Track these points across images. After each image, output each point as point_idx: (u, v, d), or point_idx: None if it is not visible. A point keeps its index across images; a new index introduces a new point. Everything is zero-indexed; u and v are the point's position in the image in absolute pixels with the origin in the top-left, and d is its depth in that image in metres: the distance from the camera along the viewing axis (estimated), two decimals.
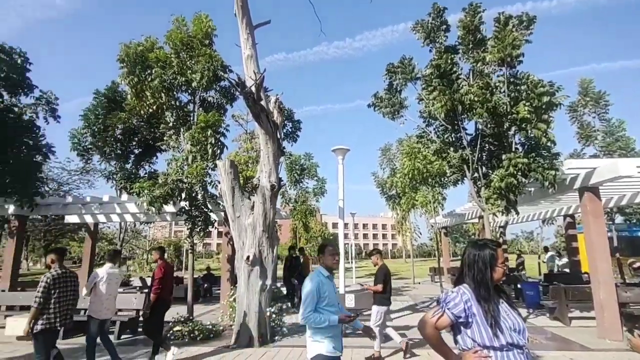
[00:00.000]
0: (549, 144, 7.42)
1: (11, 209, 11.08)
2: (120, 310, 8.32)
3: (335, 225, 71.77)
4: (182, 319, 8.06)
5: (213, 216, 10.12)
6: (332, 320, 3.04)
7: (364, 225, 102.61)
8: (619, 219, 16.12)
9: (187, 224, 9.48)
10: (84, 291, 5.69)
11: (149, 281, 10.59)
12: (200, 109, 10.05)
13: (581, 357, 6.24)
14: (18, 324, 4.69)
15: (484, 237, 6.47)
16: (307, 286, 3.12)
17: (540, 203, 12.31)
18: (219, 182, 8.06)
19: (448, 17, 8.84)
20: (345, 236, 9.37)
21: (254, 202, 7.59)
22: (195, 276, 10.12)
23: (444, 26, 8.81)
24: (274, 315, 7.66)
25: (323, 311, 3.08)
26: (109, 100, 11.61)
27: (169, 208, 9.93)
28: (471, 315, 1.93)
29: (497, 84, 7.98)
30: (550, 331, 7.98)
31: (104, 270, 5.66)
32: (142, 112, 10.25)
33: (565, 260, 14.92)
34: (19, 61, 10.60)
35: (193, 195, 9.14)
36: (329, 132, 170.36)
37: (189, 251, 9.78)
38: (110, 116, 10.90)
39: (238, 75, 7.33)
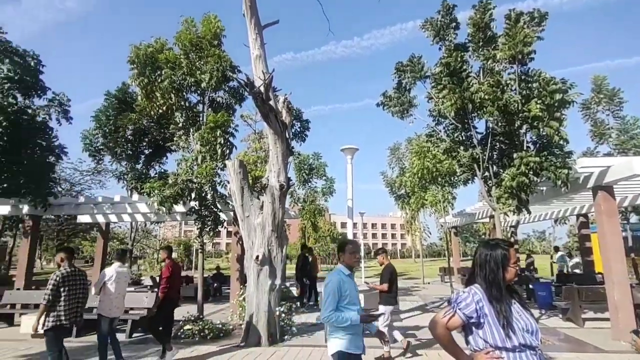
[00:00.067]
0: (561, 142, 7.29)
1: (25, 209, 11.29)
2: (131, 309, 8.44)
3: (344, 225, 71.65)
4: (193, 318, 8.13)
5: (222, 216, 10.18)
6: (354, 320, 3.00)
7: (373, 225, 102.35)
8: (633, 218, 15.83)
9: (196, 224, 9.56)
10: (92, 290, 5.77)
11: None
12: (210, 109, 10.12)
13: (595, 359, 6.13)
14: (32, 322, 4.78)
15: (495, 237, 6.40)
16: (328, 285, 3.09)
17: (552, 202, 12.12)
18: (228, 182, 8.10)
19: (458, 14, 8.76)
20: (354, 236, 9.34)
21: (263, 201, 7.61)
22: (204, 275, 10.19)
23: (454, 24, 8.72)
24: (283, 315, 7.68)
25: (344, 310, 3.04)
26: (120, 102, 11.79)
27: (179, 208, 10.02)
28: (483, 315, 1.91)
29: (508, 82, 7.87)
30: (563, 332, 7.86)
31: (112, 269, 5.72)
32: (152, 112, 10.37)
33: (575, 260, 14.69)
34: (32, 64, 10.80)
35: (203, 195, 9.21)
36: (338, 132, 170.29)
37: (199, 251, 9.86)
38: (121, 117, 11.05)
39: (247, 76, 7.37)
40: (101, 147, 11.89)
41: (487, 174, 8.34)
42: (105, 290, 5.56)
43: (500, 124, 8.08)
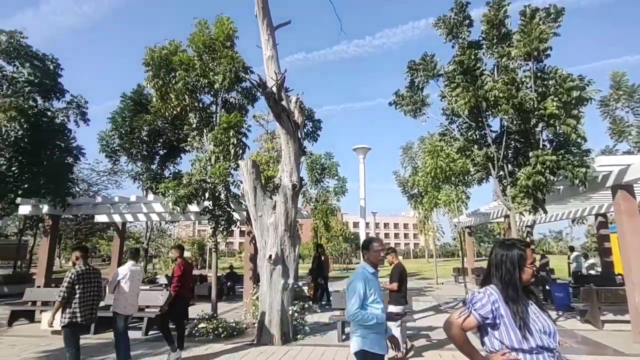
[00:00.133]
0: (579, 140, 7.13)
1: (45, 208, 11.58)
2: (147, 306, 8.58)
3: (356, 225, 71.51)
4: (207, 316, 8.22)
5: (236, 215, 10.27)
6: (379, 318, 2.98)
7: (385, 225, 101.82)
8: None
9: (210, 223, 9.66)
10: (107, 289, 5.89)
11: None
12: (223, 110, 10.22)
13: None
14: (55, 319, 4.93)
15: (511, 237, 6.30)
16: (354, 283, 3.05)
17: (569, 202, 11.89)
18: (242, 182, 8.17)
19: (471, 11, 8.67)
20: (367, 235, 9.31)
21: (275, 201, 7.65)
22: (218, 274, 10.29)
23: (467, 21, 8.62)
24: (296, 314, 7.70)
25: (369, 308, 3.01)
26: (135, 103, 12.00)
27: (193, 207, 10.14)
28: (499, 316, 1.89)
29: (523, 79, 7.74)
30: (581, 335, 7.69)
31: (126, 268, 5.82)
32: (166, 114, 10.52)
33: (591, 261, 14.38)
34: (51, 67, 11.08)
35: (216, 195, 9.31)
36: (350, 131, 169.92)
37: (213, 250, 9.96)
38: (136, 118, 11.25)
39: (259, 76, 7.43)
40: (117, 148, 12.14)
41: (502, 173, 8.22)
42: (120, 288, 5.67)
43: (515, 122, 7.95)
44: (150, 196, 11.56)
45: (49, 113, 10.94)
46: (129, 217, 13.22)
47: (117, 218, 13.15)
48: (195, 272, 23.75)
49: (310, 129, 12.99)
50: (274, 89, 7.22)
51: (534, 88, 7.51)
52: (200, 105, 10.26)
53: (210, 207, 9.46)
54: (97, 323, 7.79)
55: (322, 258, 12.94)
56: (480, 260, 35.24)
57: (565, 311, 9.95)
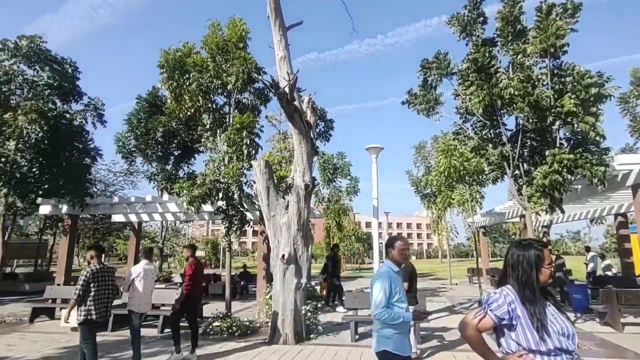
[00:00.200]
0: (597, 138, 6.98)
1: (64, 208, 11.87)
2: (162, 305, 8.72)
3: (368, 225, 71.19)
4: (221, 315, 8.31)
5: (249, 215, 10.35)
6: (406, 317, 2.93)
7: (398, 225, 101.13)
8: None
9: (224, 223, 9.76)
10: (122, 289, 6.01)
11: None
12: (236, 110, 10.31)
13: None
14: (72, 316, 5.07)
15: (527, 237, 6.20)
16: (379, 281, 3.00)
17: (588, 201, 11.63)
18: (255, 182, 8.24)
19: (485, 8, 8.56)
20: (379, 235, 9.28)
21: (288, 201, 7.68)
22: (232, 274, 10.39)
23: (481, 18, 8.51)
24: (309, 314, 7.73)
25: (394, 307, 2.96)
26: (150, 105, 12.20)
27: (207, 207, 10.26)
28: (515, 317, 1.86)
29: (539, 77, 7.60)
30: (601, 337, 7.51)
31: (140, 267, 5.92)
32: (181, 115, 10.66)
33: (607, 262, 14.04)
34: (69, 70, 11.35)
35: (230, 194, 9.40)
36: (362, 131, 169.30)
37: (226, 249, 10.05)
38: (151, 120, 11.42)
39: (272, 77, 7.46)
40: (133, 149, 12.36)
41: (517, 172, 8.09)
42: (134, 287, 5.78)
43: (531, 120, 7.82)
44: (165, 196, 11.74)
45: (67, 115, 11.21)
46: (144, 217, 13.45)
47: (133, 218, 13.40)
48: (209, 271, 24.06)
49: (323, 129, 13.01)
50: (287, 90, 7.25)
51: (551, 85, 7.37)
52: (214, 106, 10.38)
53: (224, 207, 9.56)
54: (114, 321, 7.99)
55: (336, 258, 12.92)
56: (495, 261, 34.71)
57: (583, 313, 9.73)
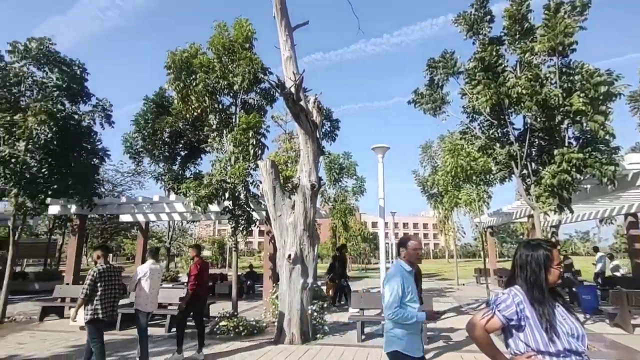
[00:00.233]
0: (607, 137, 6.88)
1: (73, 208, 11.99)
2: (170, 304, 8.78)
3: (374, 225, 71.13)
4: (228, 315, 8.35)
5: (255, 215, 10.38)
6: (419, 317, 2.91)
7: (405, 225, 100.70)
8: None
9: (230, 223, 9.80)
10: (128, 288, 6.06)
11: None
12: (242, 111, 10.35)
13: None
14: (79, 315, 5.13)
15: (536, 237, 6.14)
16: (392, 281, 2.98)
17: (597, 201, 11.49)
18: (261, 182, 8.26)
19: (492, 7, 8.48)
20: (386, 235, 9.25)
21: (294, 201, 7.69)
22: (238, 273, 10.43)
23: (488, 17, 8.44)
24: (315, 314, 7.73)
25: (407, 307, 2.94)
26: (157, 106, 12.29)
27: (214, 207, 10.31)
28: (524, 318, 1.85)
29: (547, 75, 7.52)
30: (610, 338, 7.42)
31: (146, 267, 5.97)
32: (187, 115, 10.73)
33: (615, 263, 13.84)
34: (78, 72, 11.44)
35: (236, 194, 9.44)
36: (368, 130, 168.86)
37: (233, 249, 10.09)
38: (158, 120, 11.51)
39: (278, 77, 7.49)
40: (140, 149, 12.46)
41: (525, 171, 8.01)
42: (140, 286, 5.83)
43: (539, 119, 7.74)
44: (172, 196, 11.81)
45: (76, 116, 11.30)
46: (152, 217, 13.55)
47: (140, 218, 13.50)
48: (216, 271, 24.16)
49: (329, 129, 13.02)
50: (293, 90, 7.26)
51: (559, 84, 7.28)
52: (220, 106, 10.43)
53: (230, 207, 9.60)
54: (122, 319, 8.06)
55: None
56: (503, 261, 34.44)
57: (593, 314, 9.61)
